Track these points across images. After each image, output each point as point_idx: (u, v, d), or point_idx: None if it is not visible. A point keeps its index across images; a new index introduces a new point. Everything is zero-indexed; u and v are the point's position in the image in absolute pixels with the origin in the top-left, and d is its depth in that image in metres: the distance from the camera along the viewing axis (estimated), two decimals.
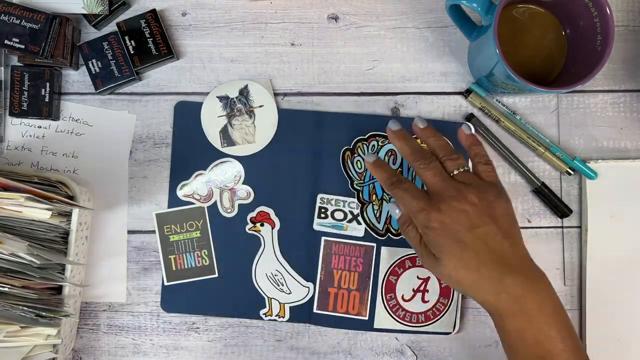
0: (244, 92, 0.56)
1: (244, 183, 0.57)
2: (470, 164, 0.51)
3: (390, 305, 0.56)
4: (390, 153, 0.57)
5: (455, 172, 0.47)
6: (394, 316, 0.56)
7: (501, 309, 0.43)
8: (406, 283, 0.57)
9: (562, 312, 0.44)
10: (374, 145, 0.57)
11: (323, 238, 0.57)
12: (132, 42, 0.56)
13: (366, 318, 0.56)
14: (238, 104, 0.55)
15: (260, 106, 0.56)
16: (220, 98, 0.56)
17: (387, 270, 0.57)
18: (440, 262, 0.45)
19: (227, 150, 0.56)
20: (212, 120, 0.57)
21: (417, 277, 0.57)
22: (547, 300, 0.43)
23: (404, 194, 0.47)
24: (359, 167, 0.56)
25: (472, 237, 0.44)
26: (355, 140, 0.57)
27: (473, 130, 0.52)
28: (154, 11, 0.56)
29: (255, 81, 0.56)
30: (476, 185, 0.46)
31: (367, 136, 0.57)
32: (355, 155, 0.56)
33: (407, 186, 0.48)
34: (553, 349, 0.42)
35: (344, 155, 0.57)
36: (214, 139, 0.57)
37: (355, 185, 0.56)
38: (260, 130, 0.56)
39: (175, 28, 0.58)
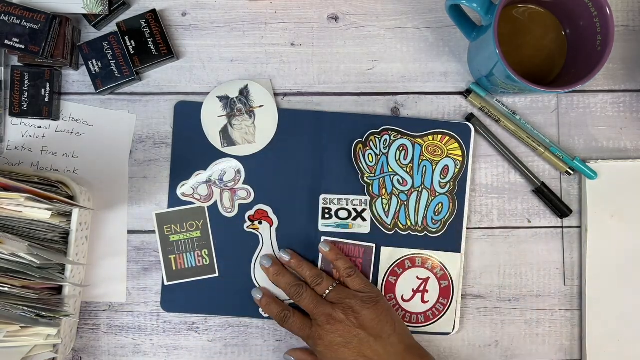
0: (244, 92, 0.56)
1: (244, 183, 0.57)
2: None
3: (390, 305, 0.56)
4: (402, 148, 0.57)
5: (325, 294, 0.53)
6: None
7: None
8: (406, 283, 0.57)
9: None
10: (386, 140, 0.57)
11: (323, 238, 0.57)
12: (132, 42, 0.56)
13: None
14: (238, 104, 0.55)
15: (261, 106, 0.56)
16: (221, 98, 0.56)
17: (387, 271, 0.57)
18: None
19: (227, 150, 0.56)
20: (212, 120, 0.57)
21: (417, 278, 0.57)
22: None
23: (291, 327, 0.53)
24: (370, 160, 0.56)
25: (349, 352, 0.50)
26: (368, 133, 0.57)
27: (329, 247, 0.56)
28: (154, 11, 0.56)
29: (256, 81, 0.56)
30: (343, 302, 0.52)
31: (379, 130, 0.57)
32: (367, 148, 0.56)
33: (292, 321, 0.53)
34: None
35: (356, 147, 0.56)
36: (214, 139, 0.56)
37: (365, 179, 0.56)
38: (260, 131, 0.56)
39: (175, 28, 0.58)
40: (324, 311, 0.51)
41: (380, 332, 0.50)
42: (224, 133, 0.56)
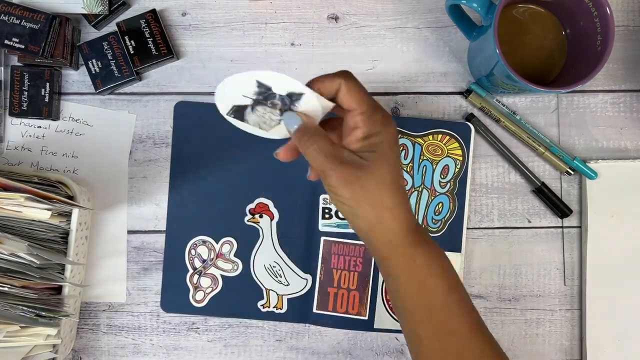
0: (293, 97, 0.43)
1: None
2: None
3: (391, 305, 0.56)
4: (402, 148, 0.57)
5: None
6: (394, 316, 0.56)
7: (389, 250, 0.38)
8: None
9: (448, 261, 0.40)
10: None
11: (322, 238, 0.57)
12: (132, 42, 0.56)
13: (366, 318, 0.56)
14: (277, 100, 0.43)
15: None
16: (260, 84, 0.42)
17: None
18: (372, 168, 0.37)
19: (232, 120, 0.45)
20: (233, 95, 0.43)
21: None
22: (437, 252, 0.39)
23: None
24: None
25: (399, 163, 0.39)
26: None
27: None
28: (154, 11, 0.56)
29: (317, 96, 0.41)
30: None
31: None
32: None
33: None
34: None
35: None
36: (224, 106, 0.43)
37: None
38: (279, 129, 0.45)
39: (175, 28, 0.58)
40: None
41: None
42: (238, 110, 0.44)
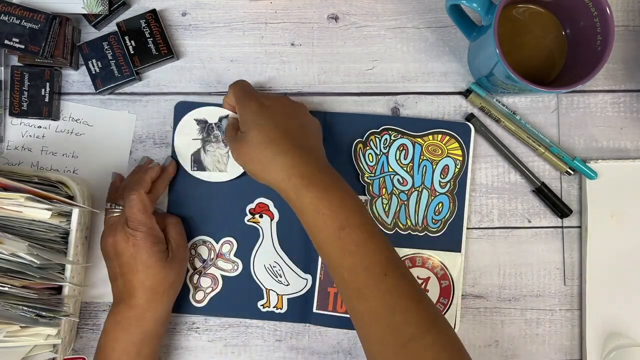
0: (223, 121, 0.55)
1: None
2: None
3: None
4: (402, 148, 0.57)
5: None
6: None
7: (292, 182, 0.45)
8: None
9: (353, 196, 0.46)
10: (386, 139, 0.57)
11: None
12: (132, 42, 0.56)
13: None
14: (216, 131, 0.55)
15: None
16: (198, 121, 0.56)
17: None
18: (246, 136, 0.48)
19: (196, 174, 0.56)
20: (186, 142, 0.56)
21: (417, 277, 0.57)
22: (337, 179, 0.47)
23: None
24: (370, 159, 0.56)
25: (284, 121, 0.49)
26: (368, 132, 0.57)
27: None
28: (154, 11, 0.56)
29: (237, 114, 0.53)
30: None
31: (380, 129, 0.57)
32: (367, 148, 0.56)
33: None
34: (350, 221, 0.44)
35: (356, 147, 0.56)
36: (185, 160, 0.56)
37: (365, 179, 0.56)
38: (233, 161, 0.55)
39: (175, 28, 0.58)
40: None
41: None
42: (196, 157, 0.56)
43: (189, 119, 0.56)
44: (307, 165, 0.46)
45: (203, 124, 0.55)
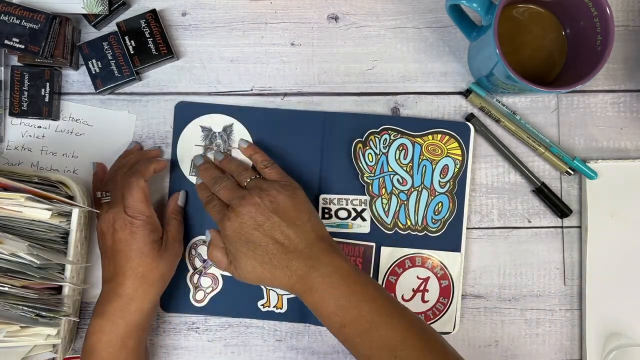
0: (227, 130, 0.56)
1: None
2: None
3: None
4: (401, 148, 0.57)
5: (246, 183, 0.52)
6: None
7: (295, 290, 0.48)
8: (406, 283, 0.57)
9: (350, 281, 0.47)
10: (385, 139, 0.57)
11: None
12: (132, 42, 0.56)
13: None
14: (218, 140, 0.56)
15: (238, 148, 0.57)
16: (203, 128, 0.57)
17: (387, 270, 0.57)
18: (239, 265, 0.49)
19: (193, 179, 0.57)
20: (188, 147, 0.57)
21: (417, 277, 0.57)
22: (332, 274, 0.47)
23: (212, 209, 0.52)
24: (370, 159, 0.56)
25: (259, 234, 0.48)
26: (367, 132, 0.57)
27: (250, 141, 0.57)
28: (153, 11, 0.56)
29: (243, 123, 0.57)
30: (260, 188, 0.50)
31: (379, 129, 0.57)
32: (367, 147, 0.56)
33: (213, 204, 0.52)
34: (348, 316, 0.46)
35: (356, 147, 0.56)
36: (184, 164, 0.57)
37: (365, 178, 0.56)
38: None
39: (175, 28, 0.58)
40: (240, 194, 0.50)
41: (294, 218, 0.49)
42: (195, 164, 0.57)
43: (195, 125, 0.56)
44: (303, 267, 0.47)
45: (207, 131, 0.56)
